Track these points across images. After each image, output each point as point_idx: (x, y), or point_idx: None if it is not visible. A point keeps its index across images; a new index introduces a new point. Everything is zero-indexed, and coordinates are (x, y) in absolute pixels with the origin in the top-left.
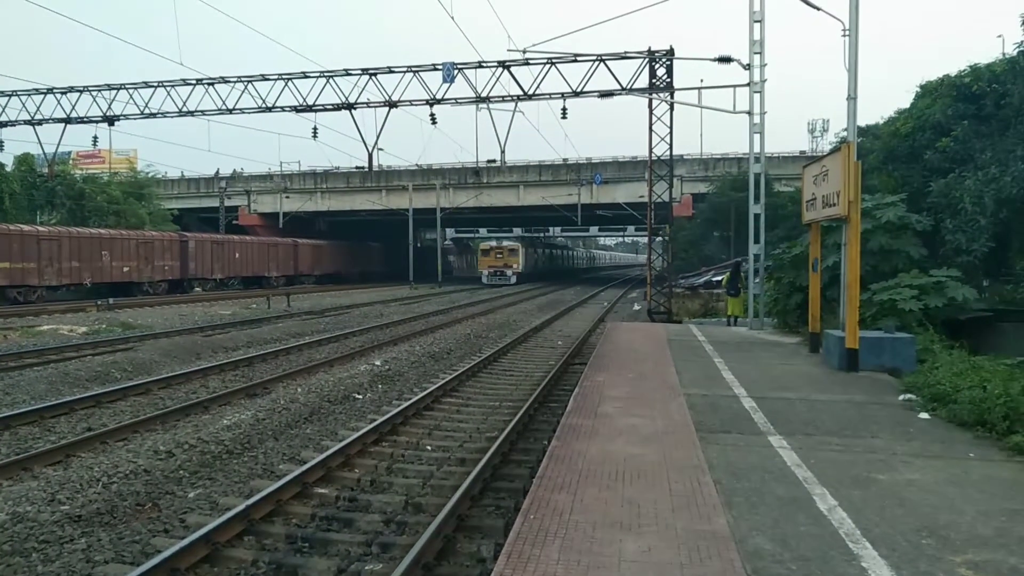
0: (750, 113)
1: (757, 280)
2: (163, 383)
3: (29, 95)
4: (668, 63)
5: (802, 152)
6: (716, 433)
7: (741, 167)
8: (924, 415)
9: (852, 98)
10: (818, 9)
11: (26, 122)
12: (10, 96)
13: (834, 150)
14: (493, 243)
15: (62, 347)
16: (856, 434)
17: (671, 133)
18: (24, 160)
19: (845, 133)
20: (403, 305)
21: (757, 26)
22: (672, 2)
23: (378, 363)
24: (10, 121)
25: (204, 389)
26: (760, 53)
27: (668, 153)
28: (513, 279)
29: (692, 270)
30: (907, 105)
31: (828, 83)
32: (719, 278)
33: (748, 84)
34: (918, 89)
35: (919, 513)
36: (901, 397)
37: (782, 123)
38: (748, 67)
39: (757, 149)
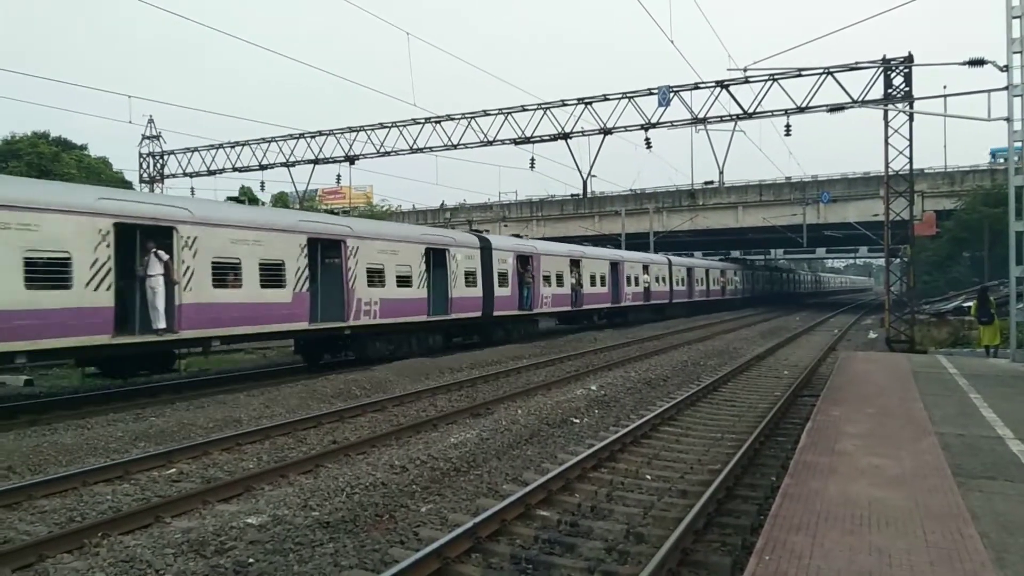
0: (1009, 120)
1: (1020, 306)
2: (396, 401)
3: (284, 140)
4: (906, 71)
5: None
6: (978, 479)
7: (996, 180)
8: None
9: None
10: None
11: (282, 164)
12: (270, 142)
13: None
14: None
15: (309, 366)
16: None
17: (911, 146)
18: (279, 198)
19: None
20: (616, 330)
21: (1016, 22)
22: (908, 7)
23: (594, 388)
24: (270, 164)
25: (432, 408)
26: (1021, 52)
27: (907, 167)
28: None
29: (937, 294)
30: None
31: None
32: (969, 304)
33: (1006, 88)
34: None
35: None
36: None
37: None
38: (1006, 69)
39: (1018, 159)
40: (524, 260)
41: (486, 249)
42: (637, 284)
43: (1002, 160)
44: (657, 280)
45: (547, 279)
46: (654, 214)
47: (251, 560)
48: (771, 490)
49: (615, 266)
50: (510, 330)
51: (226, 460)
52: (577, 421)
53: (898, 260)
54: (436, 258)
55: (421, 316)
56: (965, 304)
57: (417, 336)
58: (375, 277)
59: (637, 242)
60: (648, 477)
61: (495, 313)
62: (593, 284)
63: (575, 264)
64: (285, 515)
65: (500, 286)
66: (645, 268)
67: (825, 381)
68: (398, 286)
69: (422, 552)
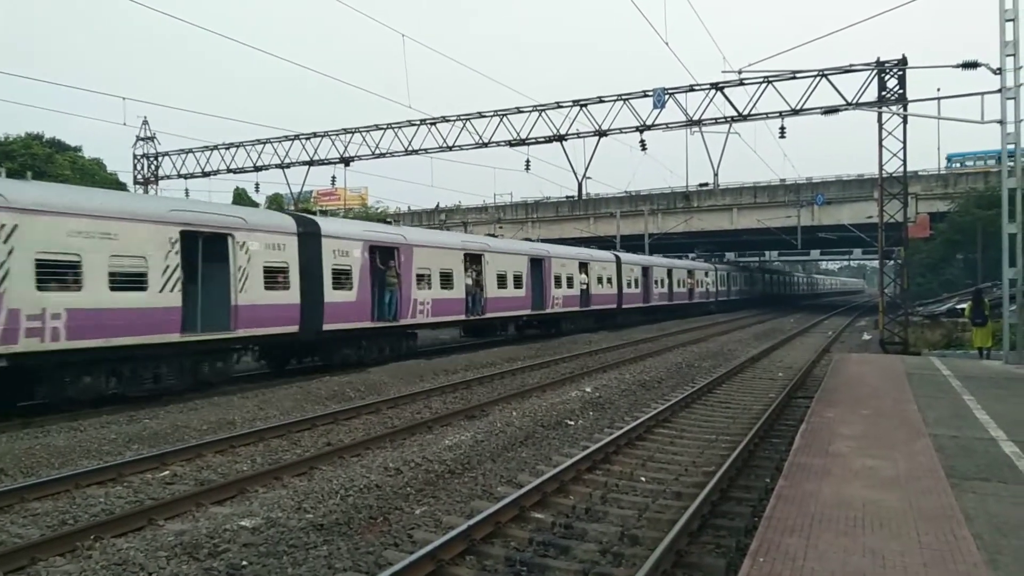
0: (1002, 122)
1: (1013, 308)
2: (391, 403)
3: (280, 142)
4: (900, 73)
5: None
6: (971, 480)
7: (989, 182)
8: None
9: None
10: None
11: (277, 166)
12: (265, 143)
13: None
14: None
15: (304, 368)
16: None
17: (904, 148)
18: (274, 199)
19: None
20: (612, 332)
21: (1009, 25)
22: (903, 9)
23: (588, 390)
24: (265, 165)
25: (427, 410)
26: (1014, 55)
27: (901, 170)
28: None
29: (931, 296)
30: None
31: None
32: (963, 306)
33: (999, 90)
34: None
35: None
36: None
37: None
38: (999, 71)
39: (1011, 162)
40: (386, 253)
41: (309, 236)
42: (571, 286)
43: (957, 165)
44: (601, 281)
45: (425, 279)
46: (649, 216)
47: (244, 562)
48: (765, 492)
49: (538, 263)
50: (366, 348)
51: (220, 462)
52: (572, 423)
53: (892, 262)
54: (209, 248)
55: (169, 334)
56: (959, 306)
57: (173, 363)
58: (60, 275)
59: (632, 244)
60: (643, 479)
61: (327, 326)
62: (503, 286)
63: (473, 260)
64: (279, 517)
65: (337, 288)
66: (583, 267)
67: (819, 383)
68: (115, 289)
69: (416, 554)
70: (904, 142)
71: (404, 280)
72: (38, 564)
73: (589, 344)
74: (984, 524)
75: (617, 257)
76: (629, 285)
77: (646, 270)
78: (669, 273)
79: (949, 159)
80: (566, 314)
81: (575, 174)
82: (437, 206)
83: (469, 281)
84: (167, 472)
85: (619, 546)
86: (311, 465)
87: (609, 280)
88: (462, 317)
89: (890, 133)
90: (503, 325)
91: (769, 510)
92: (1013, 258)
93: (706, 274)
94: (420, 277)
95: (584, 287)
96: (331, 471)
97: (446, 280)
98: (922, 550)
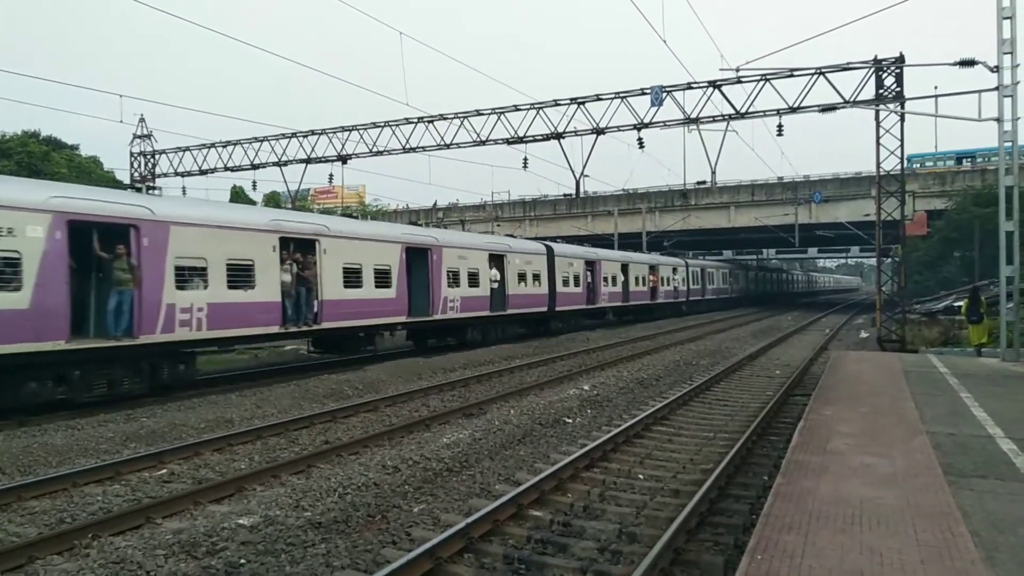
0: (999, 120)
1: (1010, 306)
2: (389, 401)
3: (277, 139)
4: (897, 71)
5: None
6: (969, 477)
7: (986, 180)
8: None
9: None
10: None
11: (274, 163)
12: (262, 141)
13: None
14: None
15: (304, 366)
16: None
17: (902, 146)
18: (271, 198)
19: None
20: (609, 330)
21: (1007, 23)
22: (901, 7)
23: (586, 388)
24: (262, 163)
25: (425, 408)
26: (1011, 53)
27: (898, 167)
28: None
29: (928, 294)
30: None
31: None
32: (960, 303)
33: (996, 88)
34: None
35: None
36: None
37: None
38: (996, 69)
39: (1008, 159)
40: (110, 235)
41: None
42: (475, 284)
43: (917, 166)
44: (524, 279)
45: (195, 274)
46: (647, 214)
47: (243, 561)
48: (763, 489)
49: (421, 255)
50: (79, 380)
51: (217, 461)
52: (570, 421)
53: (889, 260)
54: None
55: None
56: (956, 304)
57: None
58: None
59: (629, 242)
60: (641, 477)
61: None
62: (354, 284)
63: (299, 247)
64: (277, 516)
65: None
66: (495, 260)
67: (817, 380)
68: None
69: (414, 552)
70: (901, 140)
71: (150, 276)
72: (36, 563)
73: (587, 342)
74: (981, 521)
75: (549, 248)
76: (566, 283)
77: (592, 265)
78: (624, 269)
79: (909, 160)
80: (469, 320)
81: (573, 172)
82: (435, 204)
83: (287, 278)
84: (165, 470)
85: (617, 544)
86: (309, 463)
87: (536, 277)
88: (275, 328)
89: (887, 131)
90: (368, 337)
91: (767, 507)
92: (1010, 256)
93: (674, 270)
94: (184, 271)
95: (495, 286)
96: (329, 469)
97: (241, 275)
98: (919, 547)
